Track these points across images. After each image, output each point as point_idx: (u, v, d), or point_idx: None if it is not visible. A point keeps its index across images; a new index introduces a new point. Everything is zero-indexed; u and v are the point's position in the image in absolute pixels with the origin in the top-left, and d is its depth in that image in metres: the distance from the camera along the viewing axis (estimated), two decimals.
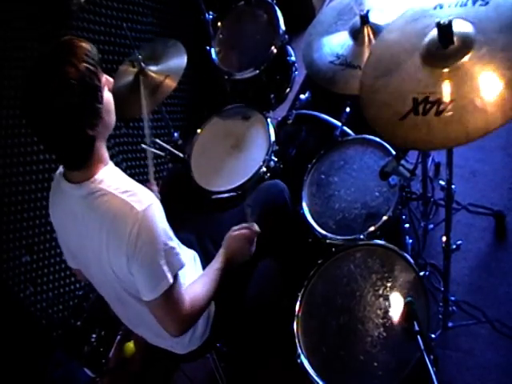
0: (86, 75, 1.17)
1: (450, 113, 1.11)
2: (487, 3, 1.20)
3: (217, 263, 1.49)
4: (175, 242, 1.33)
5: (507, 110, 1.05)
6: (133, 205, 1.21)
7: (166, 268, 1.26)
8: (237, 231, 1.55)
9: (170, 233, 1.31)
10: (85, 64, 1.16)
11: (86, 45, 1.20)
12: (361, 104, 1.31)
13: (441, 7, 1.28)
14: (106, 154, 1.30)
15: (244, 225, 1.57)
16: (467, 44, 1.16)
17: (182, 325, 1.35)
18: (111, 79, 1.28)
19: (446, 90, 1.14)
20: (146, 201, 1.24)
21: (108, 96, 1.26)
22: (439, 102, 1.13)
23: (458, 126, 1.09)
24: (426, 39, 1.23)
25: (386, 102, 1.24)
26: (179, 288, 1.32)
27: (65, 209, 1.34)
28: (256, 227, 1.56)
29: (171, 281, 1.27)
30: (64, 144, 1.21)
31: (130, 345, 2.17)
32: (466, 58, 1.15)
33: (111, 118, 1.29)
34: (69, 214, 1.33)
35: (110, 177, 1.27)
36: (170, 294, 1.28)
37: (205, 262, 1.59)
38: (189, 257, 1.60)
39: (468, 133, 1.08)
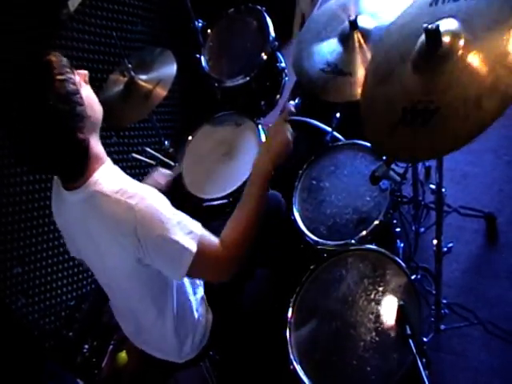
0: (61, 88, 1.15)
1: (436, 121, 1.08)
2: None
3: (254, 180, 1.49)
4: (182, 214, 1.29)
5: (487, 117, 1.02)
6: (127, 201, 1.20)
7: (183, 240, 1.23)
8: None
9: (174, 209, 1.28)
10: (57, 77, 1.15)
11: (50, 57, 1.18)
12: (361, 116, 1.26)
13: (436, 3, 1.21)
14: (101, 150, 1.29)
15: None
16: (454, 49, 1.12)
17: (229, 267, 1.33)
18: (83, 71, 1.26)
19: (432, 98, 1.11)
20: (140, 194, 1.22)
21: (86, 92, 1.24)
22: (425, 110, 1.10)
23: (443, 134, 1.07)
24: (417, 44, 1.18)
25: (382, 111, 1.20)
26: (207, 243, 1.28)
27: (67, 217, 1.35)
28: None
29: (194, 250, 1.24)
30: (63, 157, 1.21)
31: (123, 354, 2.16)
32: (452, 64, 1.11)
33: (96, 112, 1.27)
34: (71, 221, 1.34)
35: (105, 177, 1.26)
36: (201, 255, 1.25)
37: None
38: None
39: (452, 142, 1.06)
